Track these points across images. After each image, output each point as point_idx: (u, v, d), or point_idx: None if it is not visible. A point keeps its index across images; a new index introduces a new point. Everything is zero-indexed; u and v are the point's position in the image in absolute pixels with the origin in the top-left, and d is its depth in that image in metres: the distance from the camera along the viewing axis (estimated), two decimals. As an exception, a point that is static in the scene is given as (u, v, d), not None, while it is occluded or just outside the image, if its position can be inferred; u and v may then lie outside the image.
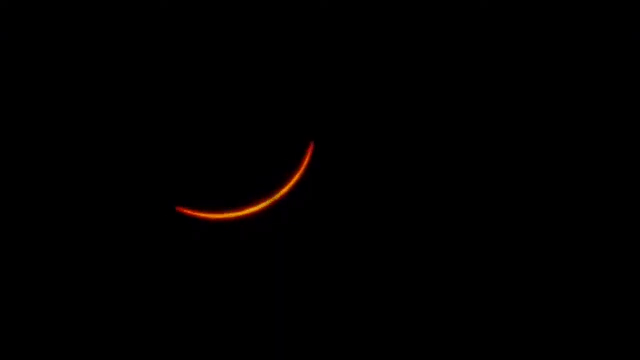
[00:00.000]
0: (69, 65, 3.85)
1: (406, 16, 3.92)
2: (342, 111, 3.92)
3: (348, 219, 3.91)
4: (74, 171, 3.85)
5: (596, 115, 3.92)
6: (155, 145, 3.87)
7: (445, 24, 3.92)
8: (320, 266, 3.91)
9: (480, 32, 3.93)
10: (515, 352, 3.87)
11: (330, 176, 3.92)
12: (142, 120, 3.87)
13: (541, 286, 3.89)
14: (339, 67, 3.91)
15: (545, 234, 3.91)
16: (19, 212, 3.85)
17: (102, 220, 3.87)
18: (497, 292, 3.89)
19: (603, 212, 3.90)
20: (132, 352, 3.86)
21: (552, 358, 3.85)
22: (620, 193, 3.90)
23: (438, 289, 3.90)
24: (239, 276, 3.90)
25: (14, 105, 3.85)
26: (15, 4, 3.84)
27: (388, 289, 3.90)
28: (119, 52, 3.86)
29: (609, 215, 3.90)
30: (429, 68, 3.93)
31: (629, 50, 3.91)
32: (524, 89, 3.93)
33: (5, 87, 3.85)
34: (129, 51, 3.86)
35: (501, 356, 3.87)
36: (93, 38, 3.85)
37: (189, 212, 3.86)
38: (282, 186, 3.85)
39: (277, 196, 3.83)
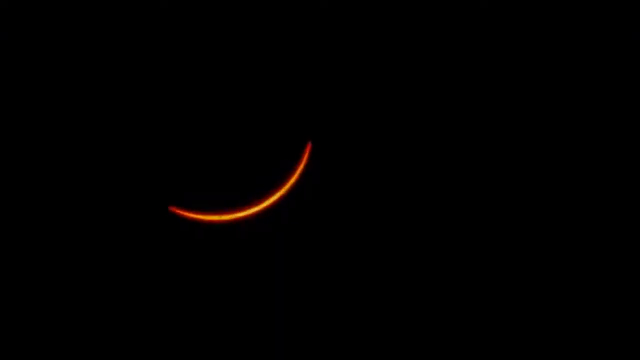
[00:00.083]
0: (69, 65, 3.85)
1: (406, 16, 3.92)
2: (340, 111, 3.92)
3: (348, 219, 3.91)
4: (71, 171, 3.85)
5: (596, 115, 3.92)
6: (154, 146, 3.87)
7: (445, 24, 3.92)
8: (320, 266, 3.91)
9: (480, 32, 3.93)
10: (516, 352, 3.87)
11: (330, 176, 3.92)
12: (140, 120, 3.87)
13: (541, 286, 3.89)
14: (337, 68, 3.91)
15: (545, 234, 3.91)
16: (15, 212, 3.85)
17: (102, 220, 3.87)
18: (497, 292, 3.90)
19: (603, 212, 3.90)
20: (132, 352, 3.86)
21: (552, 358, 3.86)
22: (621, 193, 3.90)
23: (438, 288, 3.90)
24: (239, 276, 3.90)
25: (14, 105, 3.86)
26: (15, 4, 3.84)
27: (388, 289, 3.90)
28: (117, 53, 3.86)
29: (609, 215, 3.90)
30: (429, 68, 3.93)
31: (629, 50, 3.91)
32: (524, 88, 3.93)
33: (5, 87, 3.85)
34: (127, 51, 3.86)
35: (501, 356, 3.87)
36: (92, 38, 3.85)
37: (184, 213, 3.86)
38: (278, 187, 3.84)
39: (274, 198, 3.83)
